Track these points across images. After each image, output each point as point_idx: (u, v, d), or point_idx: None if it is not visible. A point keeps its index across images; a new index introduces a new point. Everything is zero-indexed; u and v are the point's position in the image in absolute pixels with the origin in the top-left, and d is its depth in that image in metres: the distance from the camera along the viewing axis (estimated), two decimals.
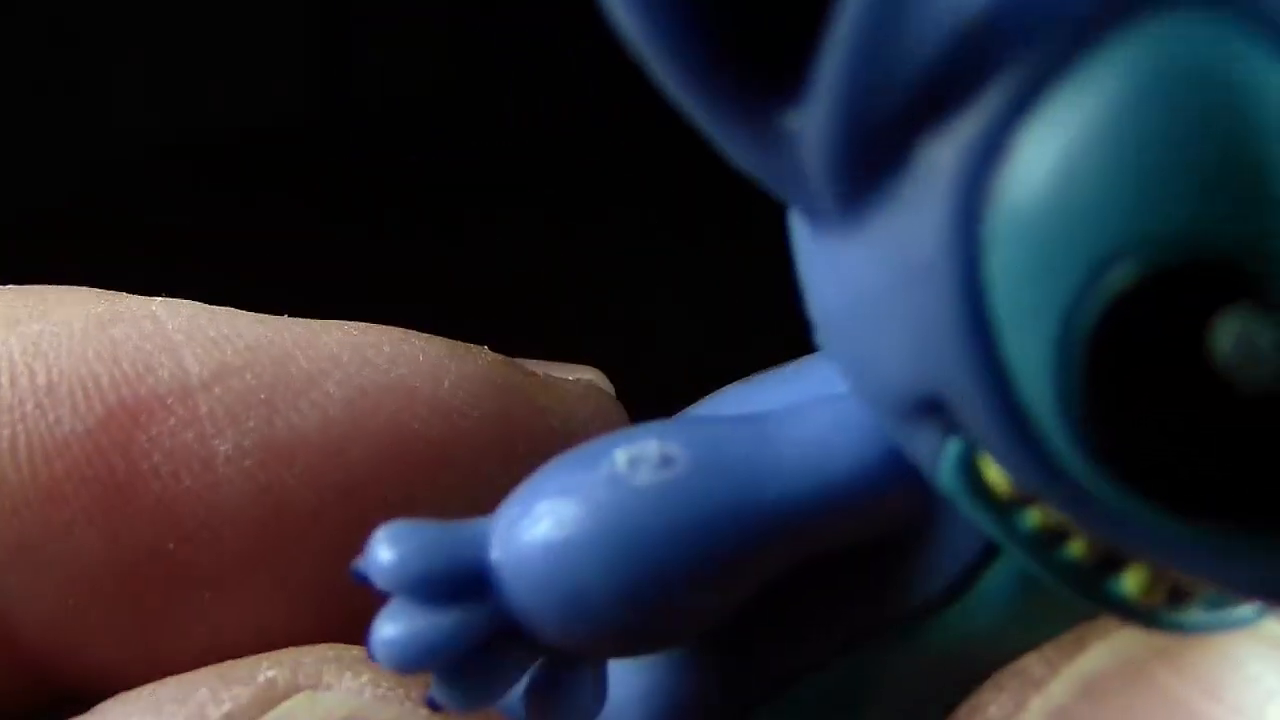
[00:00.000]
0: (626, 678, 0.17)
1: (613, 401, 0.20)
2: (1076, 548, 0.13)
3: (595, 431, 0.17)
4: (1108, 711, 0.14)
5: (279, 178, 0.46)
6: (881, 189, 0.13)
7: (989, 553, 0.15)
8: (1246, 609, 0.14)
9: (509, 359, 0.21)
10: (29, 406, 0.18)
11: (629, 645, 0.16)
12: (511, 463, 0.18)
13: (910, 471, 0.14)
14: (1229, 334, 0.11)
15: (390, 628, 0.15)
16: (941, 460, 0.13)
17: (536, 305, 0.42)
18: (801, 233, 0.14)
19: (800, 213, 0.14)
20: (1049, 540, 0.13)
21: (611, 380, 0.20)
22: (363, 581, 0.16)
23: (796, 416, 0.15)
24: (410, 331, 0.20)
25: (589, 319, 0.42)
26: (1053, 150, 0.12)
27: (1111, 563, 0.13)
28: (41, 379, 0.18)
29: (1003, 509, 0.13)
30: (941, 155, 0.12)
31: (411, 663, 0.15)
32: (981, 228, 0.12)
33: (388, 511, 0.17)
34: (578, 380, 0.21)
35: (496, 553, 0.15)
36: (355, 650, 0.17)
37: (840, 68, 0.12)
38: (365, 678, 0.17)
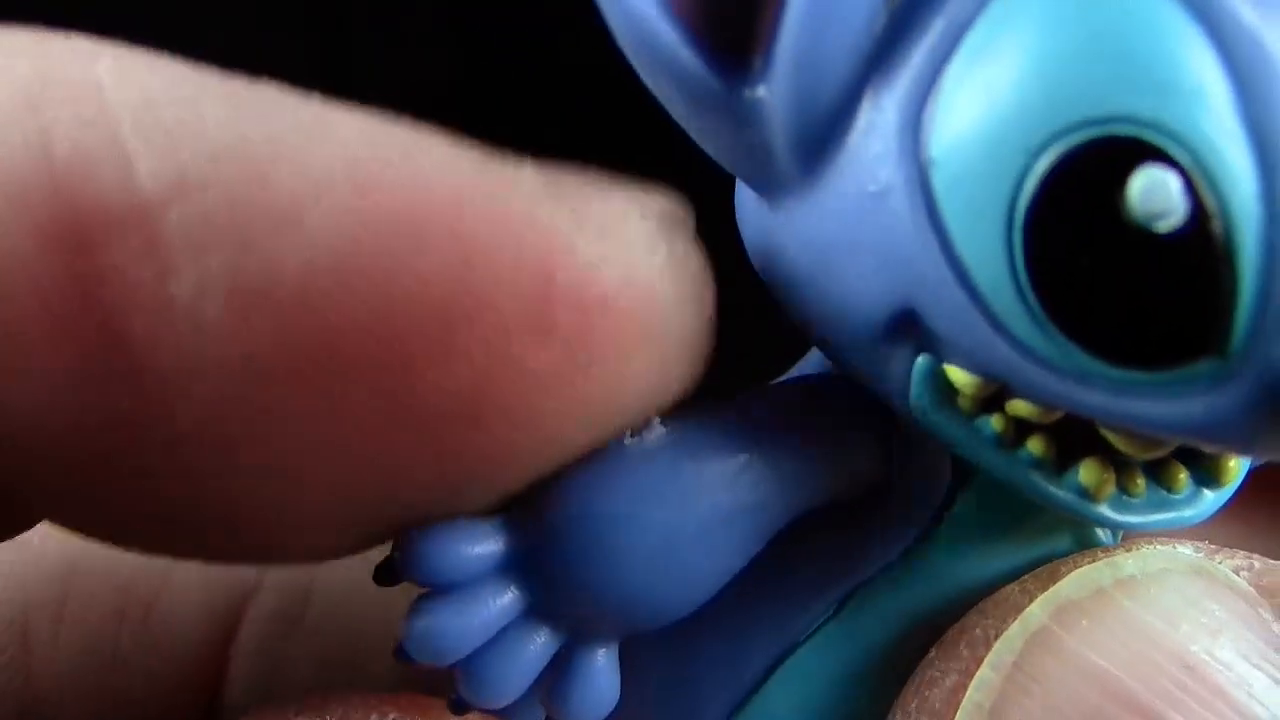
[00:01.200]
0: (638, 669, 0.18)
1: (692, 249, 0.15)
2: (1035, 445, 0.15)
3: (659, 298, 0.14)
4: (1077, 632, 0.15)
5: None
6: (837, 142, 0.15)
7: (951, 496, 0.17)
8: (1185, 511, 0.16)
9: (556, 181, 0.16)
10: None
11: (648, 608, 0.16)
12: (539, 335, 0.14)
13: (875, 421, 0.16)
14: (1140, 189, 0.13)
15: (420, 621, 0.16)
16: (913, 377, 0.15)
17: None
18: (755, 217, 0.16)
19: (761, 188, 0.16)
20: (1010, 441, 0.15)
21: None
22: (388, 576, 0.16)
23: (774, 392, 0.17)
24: (431, 136, 0.15)
25: None
26: (973, 80, 0.14)
27: (1066, 459, 0.15)
28: None
29: (968, 416, 0.15)
30: (885, 102, 0.14)
31: (443, 653, 0.16)
32: (925, 153, 0.14)
33: (379, 383, 0.14)
34: (645, 217, 0.16)
35: (519, 536, 0.16)
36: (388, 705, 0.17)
37: (797, 41, 0.14)
38: (391, 717, 0.16)
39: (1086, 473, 0.16)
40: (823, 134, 0.15)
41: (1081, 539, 0.17)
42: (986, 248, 0.14)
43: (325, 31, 0.48)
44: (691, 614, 0.17)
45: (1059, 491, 0.16)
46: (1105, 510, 0.16)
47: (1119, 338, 0.14)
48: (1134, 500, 0.16)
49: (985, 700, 0.15)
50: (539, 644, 0.16)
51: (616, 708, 0.17)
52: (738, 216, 0.17)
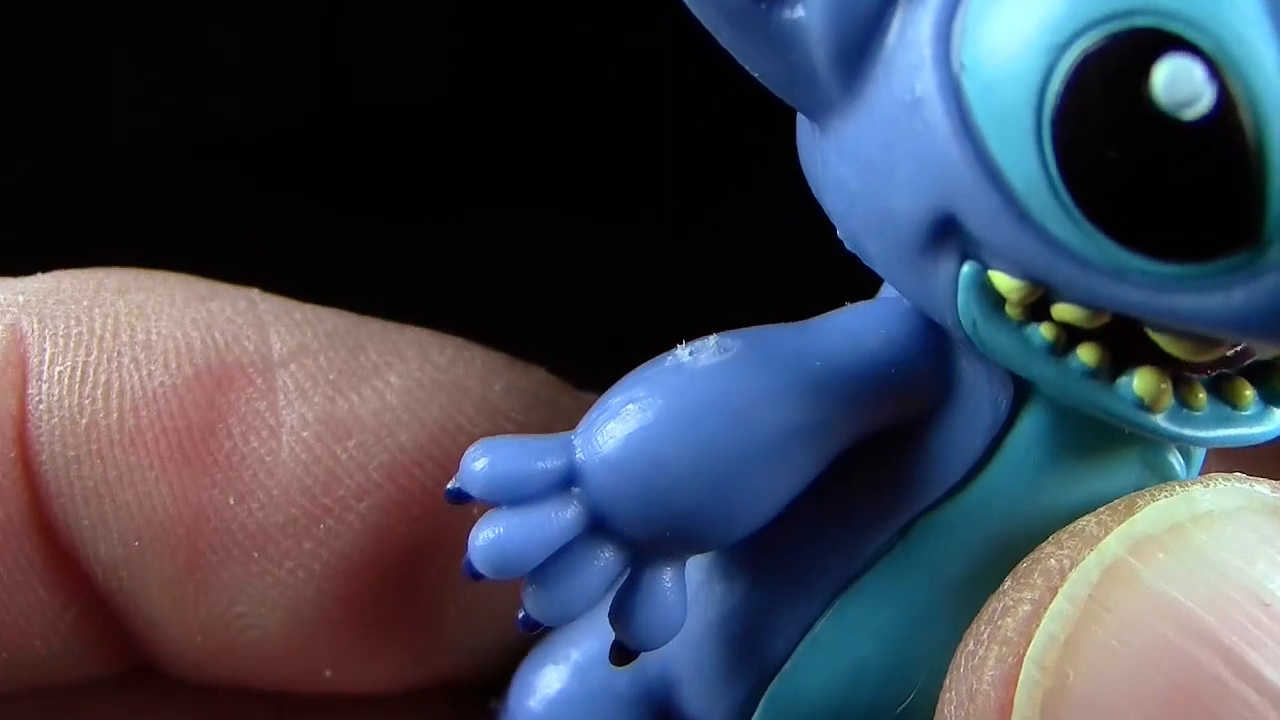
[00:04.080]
0: (704, 599, 0.18)
1: None
2: (1086, 354, 0.15)
3: None
4: (1153, 566, 0.15)
5: (278, 175, 0.46)
6: (873, 58, 0.15)
7: (1011, 419, 0.16)
8: (1253, 428, 0.16)
9: (561, 381, 0.22)
10: (125, 359, 0.20)
11: (707, 525, 0.16)
12: None
13: (930, 343, 0.17)
14: (1164, 78, 0.13)
15: (486, 534, 0.16)
16: (960, 286, 0.15)
17: (538, 304, 0.42)
18: (811, 146, 0.17)
19: (810, 110, 0.16)
20: (1061, 349, 0.15)
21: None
22: (457, 500, 0.17)
23: (830, 317, 0.17)
24: (475, 345, 0.22)
25: (591, 317, 0.42)
26: None
27: (1119, 369, 0.15)
28: (141, 336, 0.20)
29: (1017, 325, 0.15)
30: (917, 15, 0.15)
31: (508, 564, 0.16)
32: (956, 60, 0.14)
33: (427, 499, 0.20)
34: None
35: (581, 452, 0.17)
36: None
37: None
38: None
39: (1141, 381, 0.15)
40: (859, 50, 0.15)
41: (1151, 466, 0.17)
42: (1019, 147, 0.14)
43: (326, 32, 0.48)
44: (754, 543, 0.17)
45: (1114, 402, 0.15)
46: (1164, 422, 0.15)
47: (1151, 229, 0.14)
48: (1196, 414, 0.15)
49: (1060, 631, 0.15)
50: (604, 560, 0.16)
51: (682, 637, 0.17)
52: (799, 154, 0.17)
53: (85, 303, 0.20)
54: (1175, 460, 0.17)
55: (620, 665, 0.17)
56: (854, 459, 0.17)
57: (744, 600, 0.18)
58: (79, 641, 0.21)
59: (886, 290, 0.18)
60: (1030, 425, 0.16)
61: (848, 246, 0.17)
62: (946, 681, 0.16)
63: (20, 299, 0.21)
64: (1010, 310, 0.15)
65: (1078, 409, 0.16)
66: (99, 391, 0.20)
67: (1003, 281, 0.15)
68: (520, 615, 0.17)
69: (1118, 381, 0.15)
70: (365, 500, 0.20)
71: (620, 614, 0.17)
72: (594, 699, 0.18)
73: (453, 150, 0.47)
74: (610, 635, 0.17)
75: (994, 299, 0.15)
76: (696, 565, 0.18)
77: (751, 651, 0.17)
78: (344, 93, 0.48)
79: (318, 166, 0.47)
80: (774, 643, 0.17)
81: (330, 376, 0.21)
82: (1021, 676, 0.15)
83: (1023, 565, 0.16)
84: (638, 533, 0.16)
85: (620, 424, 0.16)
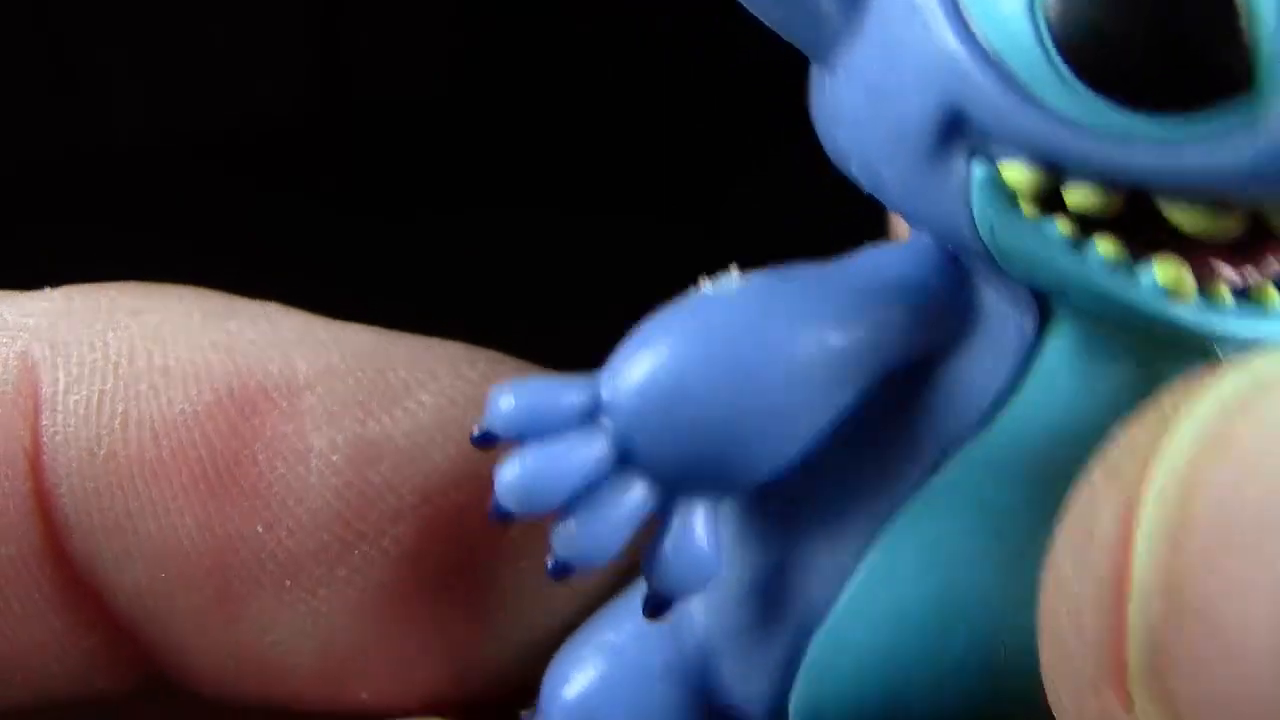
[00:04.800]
0: (732, 570, 0.18)
1: None
2: (1103, 245, 0.15)
3: None
4: (1274, 402, 0.15)
5: (278, 175, 0.46)
6: None
7: (1037, 343, 0.16)
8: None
9: None
10: (143, 386, 0.19)
11: (736, 449, 0.16)
12: None
13: (950, 275, 0.17)
14: None
15: (513, 468, 0.16)
16: (973, 187, 0.15)
17: (538, 303, 0.42)
18: (822, 98, 0.17)
19: (818, 56, 0.17)
20: (1078, 242, 0.15)
21: None
22: (484, 443, 0.17)
23: (851, 255, 0.17)
24: (506, 356, 0.21)
25: (591, 316, 0.42)
26: None
27: (1139, 259, 0.15)
28: (159, 361, 0.19)
29: (1033, 222, 0.15)
30: None
31: (536, 497, 0.16)
32: None
33: (461, 521, 0.20)
34: None
35: (606, 384, 0.16)
36: None
37: None
38: None
39: (1161, 270, 0.15)
40: None
41: (1201, 365, 0.16)
42: (1013, 26, 0.15)
43: (326, 32, 0.48)
44: (785, 496, 0.17)
45: (1137, 293, 0.15)
46: (1192, 316, 0.15)
47: (1145, 83, 0.14)
48: (1223, 308, 0.15)
49: (1181, 464, 0.14)
50: (635, 497, 0.16)
51: (716, 601, 0.17)
52: (814, 119, 0.18)
53: (99, 326, 0.20)
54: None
55: (654, 618, 0.17)
56: (881, 399, 0.17)
57: (777, 555, 0.17)
58: (100, 666, 0.21)
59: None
60: (1057, 347, 0.16)
61: (864, 185, 0.17)
62: (1059, 531, 0.15)
63: (30, 322, 0.20)
64: (1024, 206, 0.15)
65: (1103, 320, 0.16)
66: (117, 421, 0.19)
67: (1014, 174, 0.15)
68: (550, 562, 0.16)
69: (1138, 273, 0.15)
70: (400, 524, 0.20)
71: (652, 558, 0.16)
72: (629, 682, 0.18)
73: (452, 150, 0.47)
74: (641, 618, 0.17)
75: (1007, 196, 0.15)
76: (728, 525, 0.17)
77: (788, 607, 0.17)
78: (344, 93, 0.48)
79: (318, 166, 0.47)
80: (812, 595, 0.17)
81: (359, 398, 0.20)
82: (1143, 511, 0.14)
83: (1134, 417, 0.15)
84: (666, 461, 0.16)
85: (644, 353, 0.16)
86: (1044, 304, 0.16)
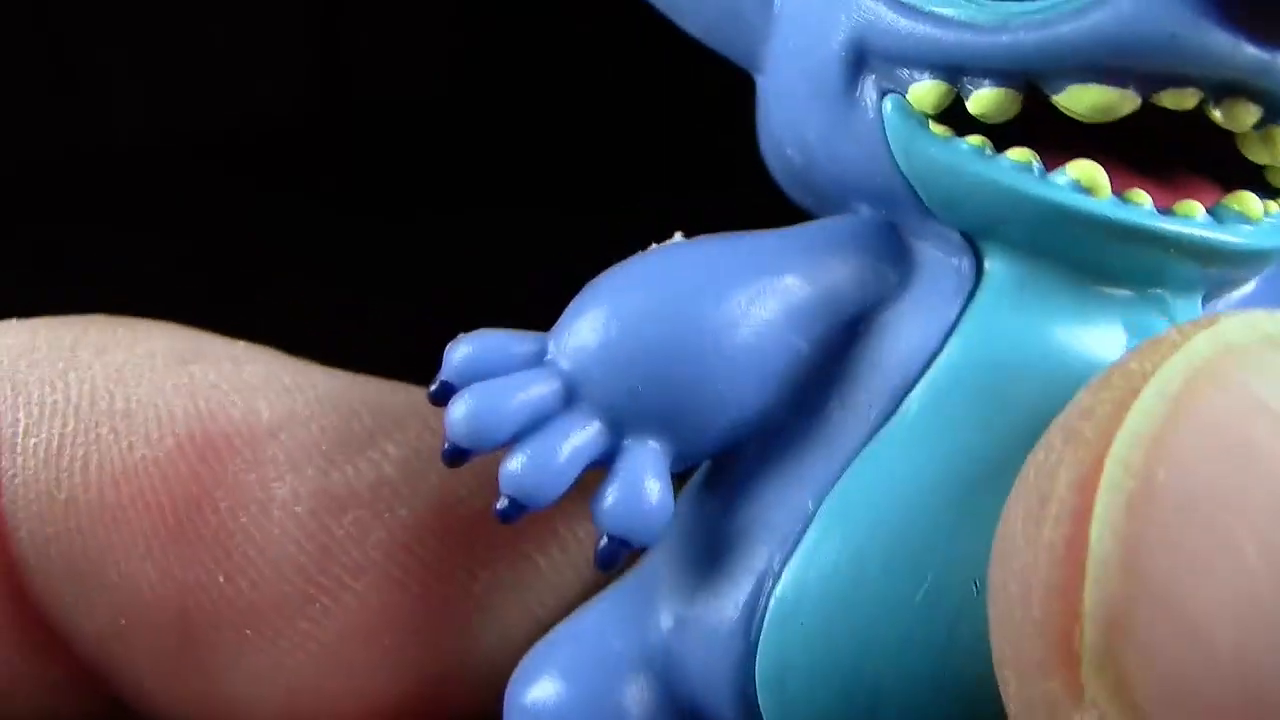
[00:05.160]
0: (689, 532, 0.18)
1: None
2: (1015, 154, 0.16)
3: None
4: (1245, 368, 0.14)
5: (278, 175, 0.46)
6: None
7: (976, 283, 0.17)
8: (1209, 232, 0.16)
9: None
10: (104, 430, 0.19)
11: (680, 395, 0.16)
12: (552, 540, 0.20)
13: (884, 238, 0.17)
14: None
15: (462, 403, 0.16)
16: (886, 120, 0.17)
17: (537, 302, 0.42)
18: (761, 107, 0.18)
19: (749, 60, 0.18)
20: (990, 154, 0.16)
21: None
22: (440, 399, 0.17)
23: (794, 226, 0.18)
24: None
25: None
26: None
27: (1053, 169, 0.16)
28: (120, 404, 0.19)
29: (945, 141, 0.16)
30: None
31: (485, 429, 0.16)
32: None
33: (427, 575, 0.19)
34: None
35: (555, 332, 0.17)
36: None
37: None
38: None
39: (1074, 168, 0.16)
40: None
41: (1135, 330, 0.17)
42: None
43: (326, 32, 0.48)
44: (739, 457, 0.17)
45: (1054, 191, 0.16)
46: (1109, 208, 0.16)
47: None
48: (1139, 205, 0.16)
49: (1146, 429, 0.14)
50: (583, 432, 0.16)
51: (678, 559, 0.17)
52: (759, 136, 0.19)
53: (60, 365, 0.19)
54: (1160, 324, 0.16)
55: (608, 568, 0.16)
56: (829, 355, 0.17)
57: (735, 509, 0.17)
58: (64, 697, 0.21)
59: None
60: (993, 287, 0.17)
61: (798, 182, 0.18)
62: (1012, 496, 0.14)
63: None
64: (934, 129, 0.16)
65: (1031, 248, 0.16)
66: (77, 465, 0.19)
67: (919, 94, 0.16)
68: (498, 504, 0.16)
69: (1053, 175, 0.16)
70: (362, 579, 0.19)
71: (603, 499, 0.16)
72: (588, 673, 0.18)
73: (452, 150, 0.47)
74: (605, 637, 0.17)
75: (918, 121, 0.16)
76: (687, 492, 0.17)
77: (747, 559, 0.17)
78: (344, 93, 0.48)
79: (318, 166, 0.47)
80: (770, 545, 0.17)
81: (323, 447, 0.19)
82: (1103, 479, 0.13)
83: (1096, 378, 0.15)
84: (612, 394, 0.16)
85: (591, 295, 0.17)
86: (977, 245, 0.17)
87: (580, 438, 0.16)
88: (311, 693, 0.20)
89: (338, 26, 0.48)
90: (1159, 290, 0.16)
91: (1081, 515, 0.13)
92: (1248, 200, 0.16)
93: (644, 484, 0.16)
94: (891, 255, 0.17)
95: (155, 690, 0.20)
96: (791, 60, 0.18)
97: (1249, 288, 0.17)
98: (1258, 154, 0.16)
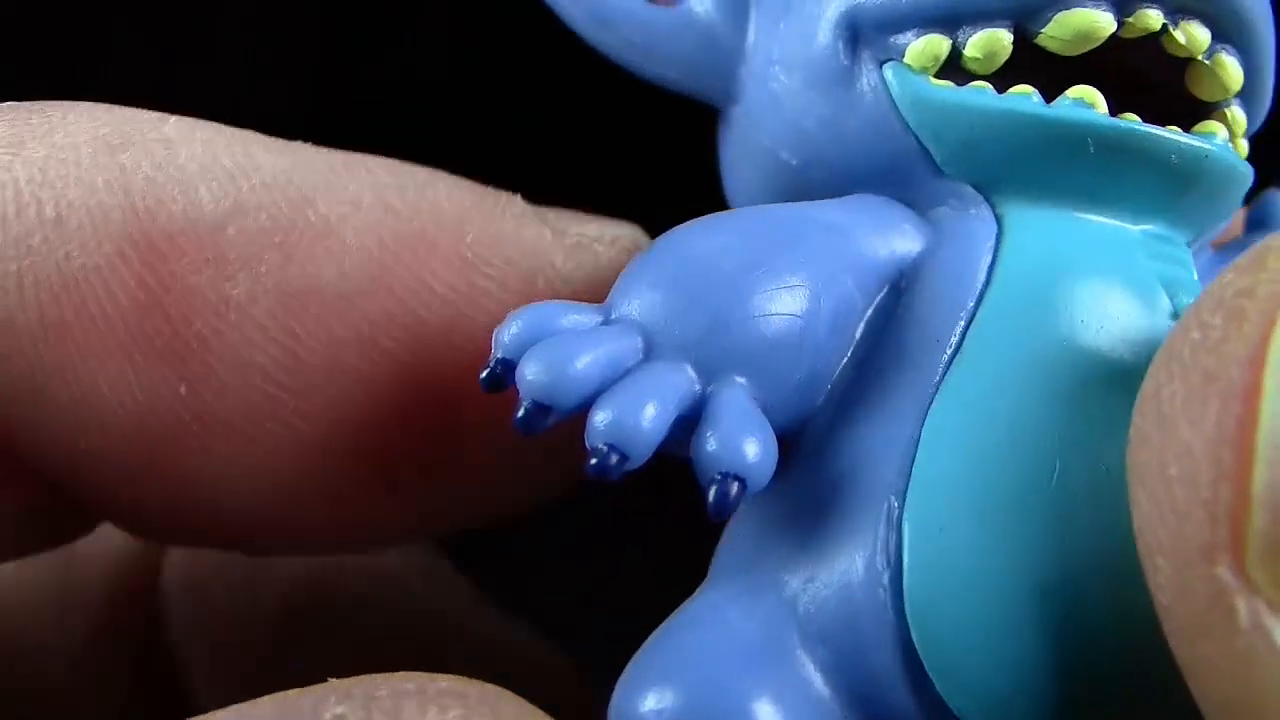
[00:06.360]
0: (775, 494, 0.17)
1: None
2: (1018, 89, 0.17)
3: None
4: None
5: None
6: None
7: (1000, 223, 0.17)
8: (1200, 140, 0.18)
9: (541, 212, 0.20)
10: (36, 240, 0.17)
11: (759, 328, 0.16)
12: None
13: (904, 211, 0.18)
14: None
15: (535, 359, 0.15)
16: (891, 89, 0.17)
17: None
18: (734, 137, 0.19)
19: (727, 93, 0.19)
20: (995, 92, 0.17)
21: None
22: (495, 385, 0.16)
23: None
24: (440, 173, 0.19)
25: None
26: None
27: (1048, 98, 0.17)
28: (50, 211, 0.17)
29: (950, 90, 0.17)
30: None
31: (569, 380, 0.15)
32: None
33: (399, 370, 0.18)
34: (614, 242, 0.20)
35: (619, 293, 0.16)
36: (441, 681, 0.15)
37: None
38: (453, 714, 0.15)
39: (1074, 91, 0.17)
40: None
41: (1146, 240, 0.18)
42: None
43: (326, 32, 0.48)
44: (813, 411, 0.17)
45: (1060, 109, 0.17)
46: (1110, 120, 0.17)
47: None
48: (1134, 120, 0.17)
49: None
50: (674, 377, 0.15)
51: (774, 524, 0.17)
52: (723, 171, 0.20)
53: None
54: (1169, 250, 0.18)
55: (719, 517, 0.15)
56: (882, 318, 0.17)
57: (827, 470, 0.17)
58: (34, 527, 0.19)
59: None
60: (1016, 221, 0.17)
61: (790, 175, 0.18)
62: (1159, 376, 0.14)
63: None
64: (935, 84, 0.17)
65: (1043, 182, 0.17)
66: (10, 283, 0.17)
67: (917, 52, 0.17)
68: (590, 462, 0.15)
69: (1054, 102, 0.17)
70: (334, 381, 0.18)
71: (704, 442, 0.15)
72: (741, 685, 0.16)
73: (452, 150, 0.47)
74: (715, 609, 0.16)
75: (918, 79, 0.17)
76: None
77: (862, 502, 0.16)
78: (344, 92, 0.48)
79: None
80: (883, 482, 0.16)
81: (275, 239, 0.17)
82: (1270, 356, 0.13)
83: (1243, 258, 0.14)
84: (693, 332, 0.16)
85: (642, 261, 0.17)
86: (992, 205, 0.18)
87: (670, 382, 0.15)
88: (289, 500, 0.18)
89: (338, 26, 0.48)
90: (1154, 223, 0.18)
91: (1252, 391, 0.13)
92: (1213, 125, 0.18)
93: (746, 420, 0.15)
94: (915, 218, 0.18)
95: (128, 508, 0.19)
96: (780, 64, 0.18)
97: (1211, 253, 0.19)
98: (1209, 88, 0.18)
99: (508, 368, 0.16)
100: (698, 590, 0.17)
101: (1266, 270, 0.14)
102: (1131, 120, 0.17)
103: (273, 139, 0.18)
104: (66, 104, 0.19)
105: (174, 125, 0.18)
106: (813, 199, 0.18)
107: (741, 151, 0.19)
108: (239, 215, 0.17)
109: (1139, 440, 0.14)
